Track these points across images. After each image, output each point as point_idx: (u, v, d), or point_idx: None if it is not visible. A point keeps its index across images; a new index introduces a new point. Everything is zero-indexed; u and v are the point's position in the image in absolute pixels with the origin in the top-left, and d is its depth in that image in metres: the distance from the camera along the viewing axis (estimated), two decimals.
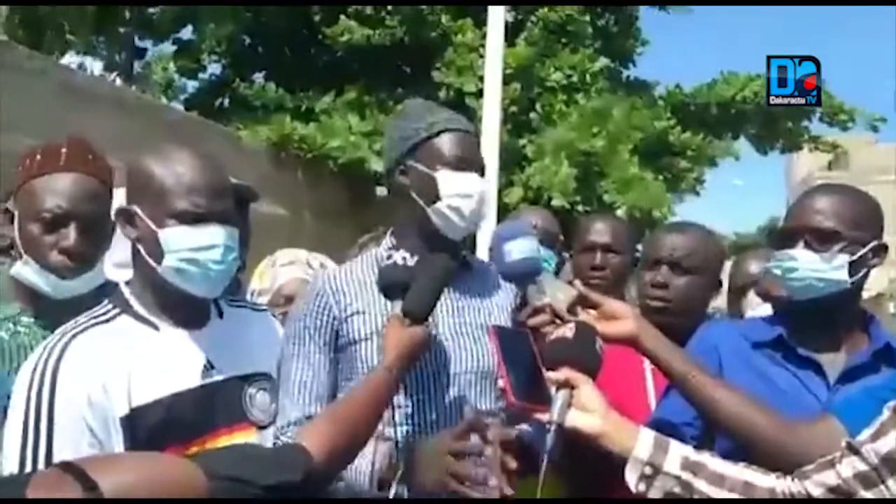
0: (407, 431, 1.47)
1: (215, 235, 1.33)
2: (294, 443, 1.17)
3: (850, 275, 1.49)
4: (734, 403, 1.33)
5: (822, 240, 1.49)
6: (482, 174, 1.57)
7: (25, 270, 1.50)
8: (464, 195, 1.51)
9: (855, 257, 1.49)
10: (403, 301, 1.40)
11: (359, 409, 1.29)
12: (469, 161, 1.54)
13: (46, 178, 1.49)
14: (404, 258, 1.42)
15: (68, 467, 0.86)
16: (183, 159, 1.34)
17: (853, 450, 1.15)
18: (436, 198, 1.51)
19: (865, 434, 1.16)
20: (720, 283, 1.94)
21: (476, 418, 1.39)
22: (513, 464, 1.36)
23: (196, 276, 1.33)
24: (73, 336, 1.29)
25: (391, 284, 1.42)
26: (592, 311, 1.41)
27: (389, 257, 1.44)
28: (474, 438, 1.37)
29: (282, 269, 2.17)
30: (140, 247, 1.36)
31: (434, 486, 1.34)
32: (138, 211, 1.34)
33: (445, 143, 1.54)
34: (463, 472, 1.32)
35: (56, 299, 1.51)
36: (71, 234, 1.48)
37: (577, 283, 1.49)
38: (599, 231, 2.24)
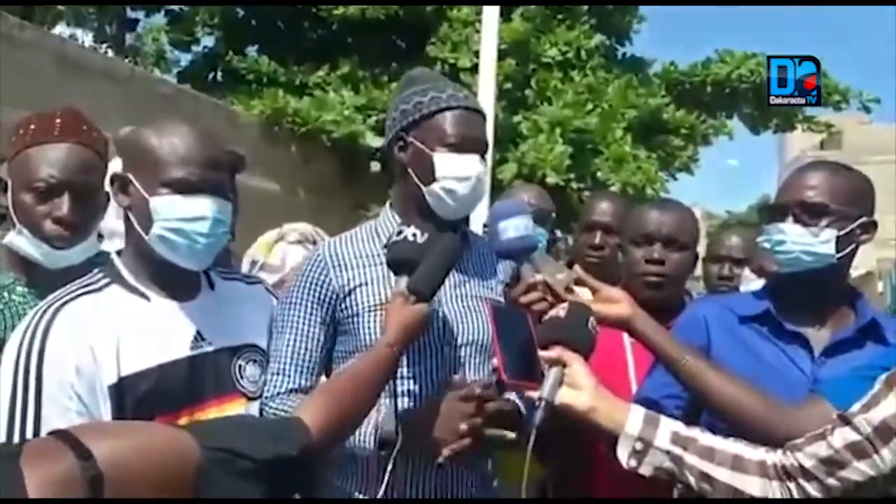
0: (406, 401, 1.48)
1: (205, 207, 1.33)
2: (292, 416, 1.16)
3: (838, 249, 1.50)
4: (726, 386, 1.35)
5: (810, 214, 1.51)
6: (483, 155, 1.53)
7: (19, 240, 1.51)
8: (460, 178, 1.49)
9: (843, 232, 1.50)
10: (410, 278, 1.39)
11: (359, 385, 1.29)
12: (469, 142, 1.51)
13: (40, 148, 1.49)
14: (415, 234, 1.41)
15: (62, 435, 0.85)
16: (180, 131, 1.34)
17: (845, 420, 1.17)
18: (432, 178, 1.49)
19: (857, 406, 1.17)
20: (697, 258, 1.99)
21: (468, 389, 1.43)
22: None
23: (182, 246, 1.33)
24: (63, 304, 1.29)
25: (400, 260, 1.41)
26: (586, 292, 1.44)
27: (400, 232, 1.43)
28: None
29: (291, 247, 2.14)
30: (131, 215, 1.36)
31: (440, 442, 1.39)
32: (132, 178, 1.34)
33: (446, 121, 1.50)
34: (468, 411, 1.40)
35: (49, 269, 1.51)
36: (64, 204, 1.48)
37: (577, 267, 1.52)
38: (601, 212, 2.30)
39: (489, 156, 6.54)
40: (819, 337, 1.55)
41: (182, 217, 1.31)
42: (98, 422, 1.21)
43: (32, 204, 1.49)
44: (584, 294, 1.46)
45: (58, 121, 1.51)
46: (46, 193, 1.48)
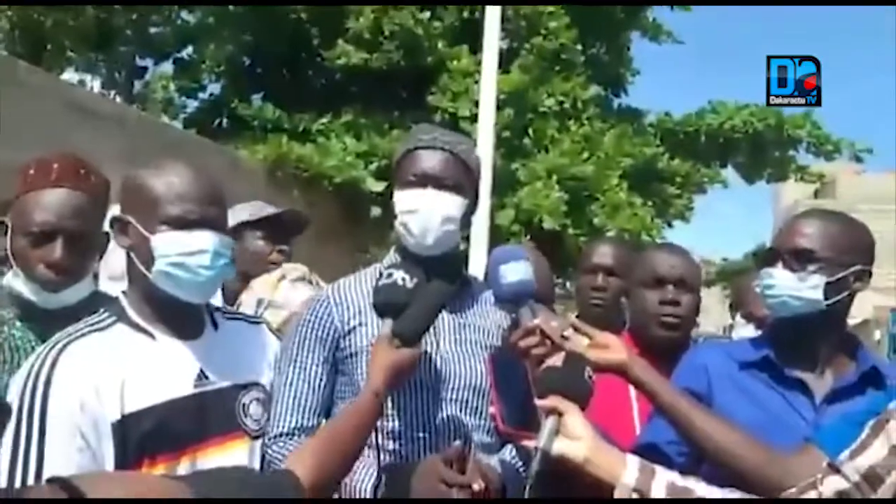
0: (402, 445, 1.49)
1: (205, 240, 1.35)
2: (285, 469, 1.18)
3: (828, 296, 1.52)
4: (720, 433, 1.37)
5: (799, 259, 1.54)
6: (451, 189, 1.54)
7: (16, 281, 1.56)
8: (407, 211, 1.53)
9: (832, 279, 1.52)
10: (395, 322, 1.40)
11: (346, 434, 1.30)
12: (426, 177, 1.53)
13: (37, 194, 1.54)
14: (404, 279, 1.43)
15: (63, 483, 0.85)
16: (175, 169, 1.37)
17: (835, 469, 1.17)
18: (395, 215, 1.56)
19: (846, 453, 1.17)
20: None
21: (458, 450, 1.40)
22: (481, 485, 1.38)
23: (185, 280, 1.34)
24: (68, 343, 1.30)
25: (386, 303, 1.42)
26: (584, 338, 1.45)
27: (390, 275, 1.44)
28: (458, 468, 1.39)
29: (295, 284, 2.17)
30: (133, 255, 1.38)
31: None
32: (131, 220, 1.37)
33: (407, 161, 1.56)
34: (453, 497, 1.35)
35: (44, 308, 1.55)
36: (56, 250, 1.52)
37: (571, 315, 1.55)
38: (602, 254, 2.34)
39: (487, 202, 6.64)
40: (820, 384, 1.56)
41: (183, 252, 1.34)
42: (99, 472, 1.21)
43: (27, 248, 1.53)
44: (579, 340, 1.47)
45: (55, 166, 1.56)
46: (40, 238, 1.52)
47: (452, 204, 1.54)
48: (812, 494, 1.17)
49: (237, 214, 2.50)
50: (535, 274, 2.39)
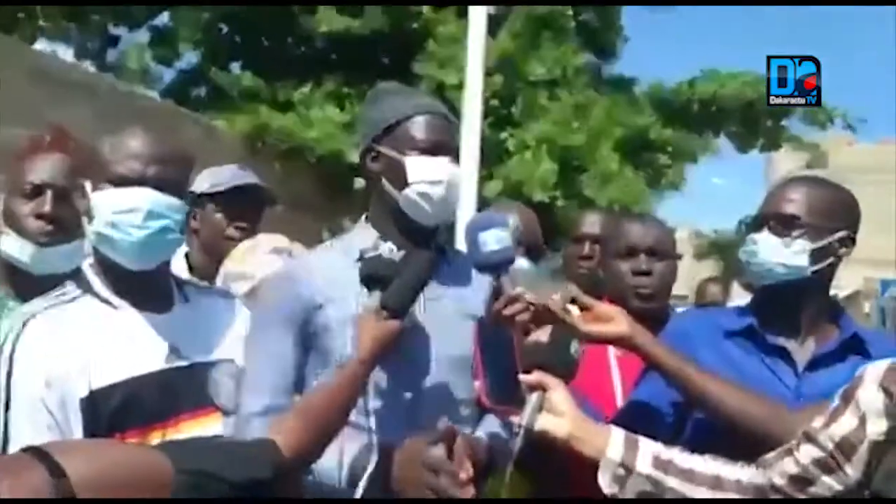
0: (381, 417, 1.46)
1: (139, 198, 1.29)
2: (264, 438, 1.17)
3: (813, 262, 1.53)
4: (730, 394, 1.39)
5: (784, 225, 1.54)
6: (456, 159, 1.55)
7: (5, 242, 1.59)
8: (432, 181, 1.49)
9: (817, 245, 1.52)
10: (383, 294, 1.39)
11: (329, 404, 1.29)
12: (439, 145, 1.51)
13: (29, 160, 1.63)
14: (391, 250, 1.44)
15: (37, 452, 0.86)
16: (129, 131, 1.35)
17: (809, 437, 1.19)
18: (405, 184, 1.49)
19: (819, 422, 1.19)
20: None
21: (448, 432, 1.37)
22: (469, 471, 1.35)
23: (119, 242, 1.30)
24: (32, 316, 1.28)
25: (373, 275, 1.42)
26: (576, 309, 1.43)
27: (376, 247, 1.45)
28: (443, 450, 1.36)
29: (265, 257, 2.07)
30: (85, 220, 1.35)
31: (411, 493, 1.35)
32: (85, 184, 1.35)
33: (415, 126, 1.51)
34: (440, 486, 1.32)
35: (36, 279, 1.54)
36: (47, 202, 1.57)
37: (571, 285, 1.52)
38: (590, 223, 2.39)
39: (475, 172, 6.55)
40: (802, 351, 1.58)
41: (116, 210, 1.29)
42: (74, 440, 1.20)
43: (18, 205, 1.59)
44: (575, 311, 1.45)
45: (47, 138, 1.68)
46: (31, 194, 1.59)
47: (459, 175, 1.54)
48: (789, 461, 1.19)
49: (202, 181, 2.40)
50: (525, 227, 2.32)
